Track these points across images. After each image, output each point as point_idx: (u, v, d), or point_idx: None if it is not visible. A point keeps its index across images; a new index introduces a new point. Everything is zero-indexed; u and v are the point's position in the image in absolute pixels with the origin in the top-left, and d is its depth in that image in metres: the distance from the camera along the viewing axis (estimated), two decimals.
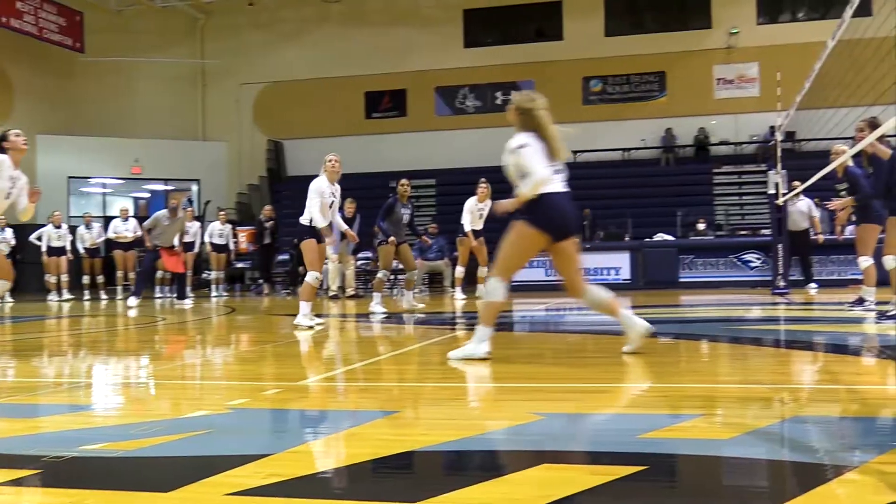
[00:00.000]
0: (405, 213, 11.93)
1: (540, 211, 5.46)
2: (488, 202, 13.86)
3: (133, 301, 14.21)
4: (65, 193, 25.55)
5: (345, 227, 10.01)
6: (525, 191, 5.43)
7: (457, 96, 27.21)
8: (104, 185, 27.28)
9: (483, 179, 14.10)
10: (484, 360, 5.45)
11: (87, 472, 2.82)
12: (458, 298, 13.76)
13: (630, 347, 5.61)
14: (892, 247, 8.01)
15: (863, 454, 2.79)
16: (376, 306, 11.04)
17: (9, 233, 17.71)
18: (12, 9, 24.14)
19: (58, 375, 5.74)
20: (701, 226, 19.31)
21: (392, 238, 11.65)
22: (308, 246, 8.87)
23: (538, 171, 5.38)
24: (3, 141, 7.45)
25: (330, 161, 9.01)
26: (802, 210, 15.06)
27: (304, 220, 8.91)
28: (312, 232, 8.85)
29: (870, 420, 3.49)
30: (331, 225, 9.08)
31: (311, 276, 8.88)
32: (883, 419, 3.39)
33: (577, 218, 5.81)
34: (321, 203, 8.81)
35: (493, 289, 5.62)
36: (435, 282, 19.25)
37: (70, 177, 25.91)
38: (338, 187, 9.16)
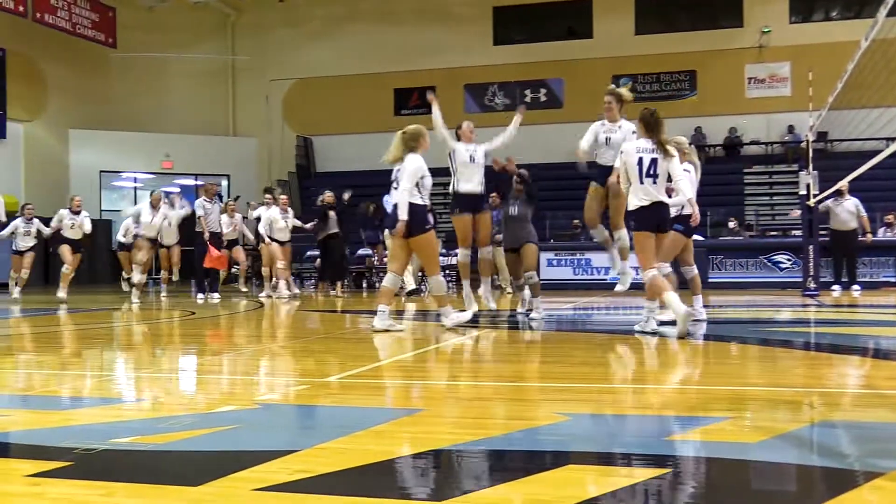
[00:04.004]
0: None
1: None
2: None
3: (201, 296, 14.95)
4: (97, 187, 25.84)
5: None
6: None
7: (486, 94, 27.19)
8: (135, 180, 27.54)
9: None
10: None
11: (117, 465, 2.85)
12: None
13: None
14: None
15: (893, 460, 2.76)
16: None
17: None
18: (46, 4, 24.44)
19: (88, 368, 5.81)
20: (731, 225, 19.15)
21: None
22: (429, 239, 7.92)
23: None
24: (458, 129, 8.20)
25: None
26: (850, 210, 14.68)
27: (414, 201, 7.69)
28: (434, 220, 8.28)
29: None
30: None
31: (435, 281, 8.07)
32: None
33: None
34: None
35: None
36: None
37: (102, 171, 26.19)
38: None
